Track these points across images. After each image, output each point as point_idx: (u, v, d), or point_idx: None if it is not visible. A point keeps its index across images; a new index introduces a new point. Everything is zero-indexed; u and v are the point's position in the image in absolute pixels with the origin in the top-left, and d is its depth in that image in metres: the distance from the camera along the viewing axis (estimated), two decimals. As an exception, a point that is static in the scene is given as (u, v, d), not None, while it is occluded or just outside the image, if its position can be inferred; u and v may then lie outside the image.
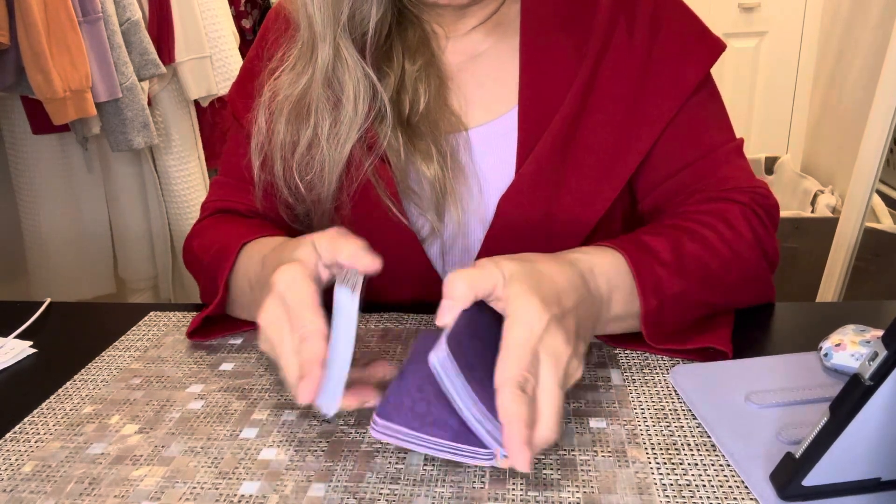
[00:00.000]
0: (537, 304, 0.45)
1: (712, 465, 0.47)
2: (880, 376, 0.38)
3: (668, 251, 0.59)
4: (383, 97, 0.65)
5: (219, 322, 0.67)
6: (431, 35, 0.70)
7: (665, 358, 0.59)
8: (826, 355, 0.56)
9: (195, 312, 0.72)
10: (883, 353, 0.38)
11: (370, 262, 0.49)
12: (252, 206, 0.74)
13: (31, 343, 0.67)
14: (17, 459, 0.51)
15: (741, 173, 0.68)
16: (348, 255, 0.49)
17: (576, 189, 0.67)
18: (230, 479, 0.48)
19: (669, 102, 0.67)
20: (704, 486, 0.45)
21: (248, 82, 0.72)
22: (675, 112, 0.67)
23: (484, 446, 0.44)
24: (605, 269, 0.56)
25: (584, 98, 0.67)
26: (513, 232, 0.68)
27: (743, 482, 0.45)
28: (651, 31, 0.67)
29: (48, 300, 0.75)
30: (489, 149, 0.69)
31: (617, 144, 0.67)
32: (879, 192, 1.80)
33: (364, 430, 0.52)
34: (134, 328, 0.69)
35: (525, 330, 0.44)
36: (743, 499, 0.43)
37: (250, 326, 0.67)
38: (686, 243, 0.60)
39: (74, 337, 0.69)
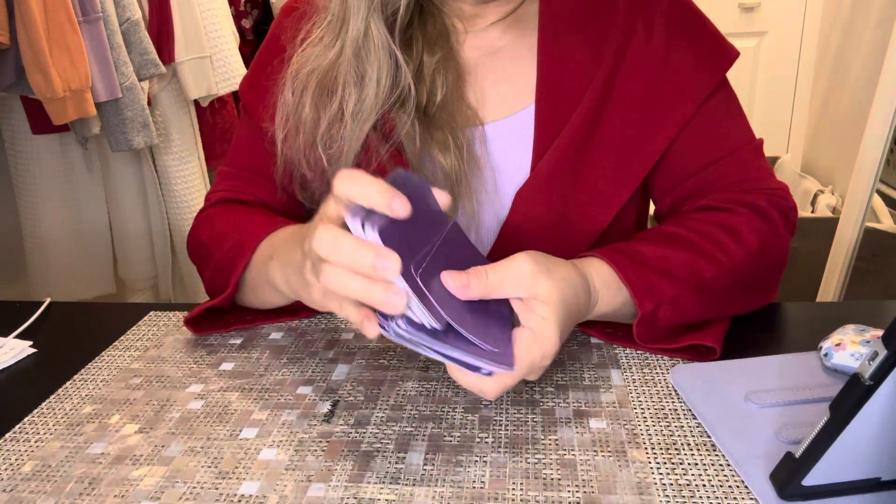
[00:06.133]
0: (555, 338, 0.48)
1: (712, 465, 0.47)
2: (880, 376, 0.38)
3: (657, 258, 0.59)
4: (407, 77, 0.65)
5: (219, 317, 0.67)
6: (451, 29, 0.71)
7: (665, 358, 0.59)
8: (826, 355, 0.56)
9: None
10: (883, 353, 0.38)
11: (398, 204, 0.44)
12: (257, 196, 0.74)
13: (31, 343, 0.67)
14: (17, 459, 0.51)
15: (760, 174, 0.69)
16: (366, 196, 0.45)
17: (591, 188, 0.68)
18: (230, 479, 0.48)
19: (685, 106, 0.67)
20: (704, 486, 0.45)
21: (260, 74, 0.73)
22: (690, 115, 0.67)
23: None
24: (604, 277, 0.57)
25: (602, 98, 0.67)
26: (527, 227, 0.69)
27: (743, 482, 0.45)
28: (668, 35, 0.68)
29: (48, 300, 0.75)
30: (505, 144, 0.70)
31: (633, 145, 0.68)
32: (879, 192, 1.80)
33: (364, 430, 0.52)
34: (134, 328, 0.69)
35: (538, 353, 0.48)
36: (743, 499, 0.43)
37: (248, 324, 0.67)
38: (677, 252, 0.60)
39: (74, 337, 0.69)
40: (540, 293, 0.48)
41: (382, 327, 0.45)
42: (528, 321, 0.48)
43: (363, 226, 0.44)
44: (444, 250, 0.49)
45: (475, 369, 0.46)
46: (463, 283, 0.47)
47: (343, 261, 0.45)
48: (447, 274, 0.47)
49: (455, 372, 0.47)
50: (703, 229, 0.63)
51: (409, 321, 0.45)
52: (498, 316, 0.49)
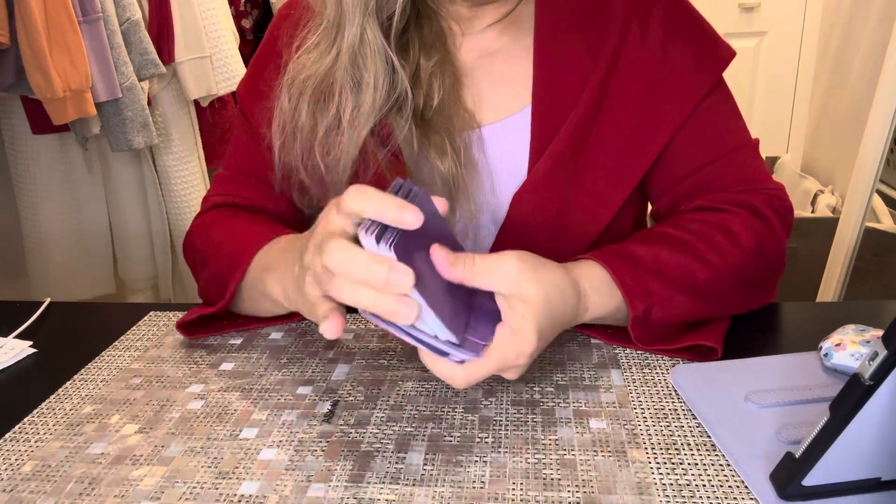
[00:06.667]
0: (533, 339, 0.48)
1: (712, 465, 0.47)
2: (880, 376, 0.38)
3: (651, 259, 0.59)
4: (404, 81, 0.65)
5: (212, 322, 0.67)
6: (447, 32, 0.71)
7: (665, 358, 0.59)
8: (826, 355, 0.56)
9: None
10: (883, 353, 0.38)
11: (409, 216, 0.44)
12: (254, 200, 0.74)
13: (31, 343, 0.67)
14: (17, 459, 0.51)
15: (757, 174, 0.69)
16: (378, 211, 0.44)
17: (589, 188, 0.68)
18: (230, 479, 0.48)
19: (682, 106, 0.67)
20: (704, 486, 0.45)
21: (257, 78, 0.73)
22: (686, 115, 0.67)
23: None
24: (595, 281, 0.57)
25: (599, 99, 0.67)
26: (525, 229, 0.69)
27: (743, 482, 0.45)
28: (664, 36, 0.68)
29: (48, 300, 0.75)
30: (502, 146, 0.70)
31: (630, 145, 0.67)
32: (879, 192, 1.80)
33: (364, 430, 0.52)
34: (134, 328, 0.69)
35: (514, 350, 0.48)
36: (743, 499, 0.43)
37: (241, 328, 0.67)
38: (672, 252, 0.60)
39: (74, 337, 0.69)
40: (522, 292, 0.48)
41: (361, 310, 0.46)
42: (508, 318, 0.48)
43: (377, 242, 0.44)
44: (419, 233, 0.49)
45: (444, 354, 0.46)
46: (449, 262, 0.47)
47: (357, 276, 0.44)
48: (437, 247, 0.47)
49: (426, 357, 0.47)
50: (698, 230, 0.62)
51: None
52: (483, 309, 0.50)
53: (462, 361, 0.47)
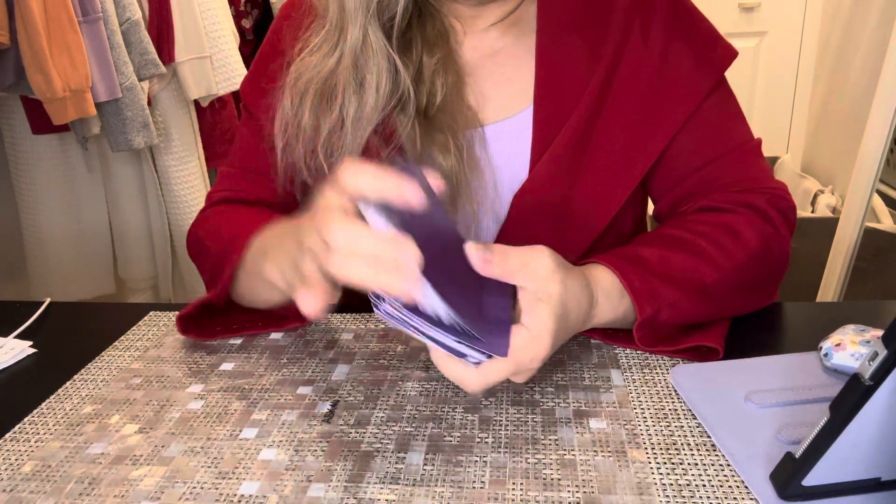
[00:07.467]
0: (549, 344, 0.48)
1: (712, 465, 0.47)
2: (880, 376, 0.38)
3: (658, 261, 0.59)
4: (406, 81, 0.65)
5: (209, 318, 0.67)
6: (450, 30, 0.71)
7: (665, 358, 0.59)
8: (826, 355, 0.56)
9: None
10: (883, 353, 0.38)
11: (411, 195, 0.43)
12: (259, 196, 0.74)
13: (31, 343, 0.67)
14: (17, 459, 0.51)
15: (759, 173, 0.69)
16: (378, 187, 0.44)
17: (590, 188, 0.68)
18: (230, 479, 0.48)
19: (683, 106, 0.67)
20: (704, 486, 0.45)
21: (261, 72, 0.73)
22: (688, 115, 0.67)
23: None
24: (606, 287, 0.56)
25: (600, 99, 0.67)
26: (526, 228, 0.69)
27: (743, 482, 0.45)
28: (666, 36, 0.68)
29: (48, 300, 0.75)
30: (504, 146, 0.70)
31: (631, 145, 0.68)
32: (879, 192, 1.80)
33: (364, 430, 0.52)
34: (134, 328, 0.69)
35: (529, 354, 0.47)
36: (743, 499, 0.43)
37: (235, 333, 0.67)
38: (678, 254, 0.60)
39: (74, 337, 0.69)
40: (550, 295, 0.48)
41: (375, 306, 0.45)
42: (527, 321, 0.48)
43: (380, 217, 0.43)
44: (432, 234, 0.48)
45: (461, 356, 0.45)
46: (486, 259, 0.47)
47: (366, 253, 0.43)
48: (472, 245, 0.47)
49: (438, 359, 0.46)
50: (703, 230, 0.62)
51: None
52: (494, 305, 0.49)
53: (478, 363, 0.46)
